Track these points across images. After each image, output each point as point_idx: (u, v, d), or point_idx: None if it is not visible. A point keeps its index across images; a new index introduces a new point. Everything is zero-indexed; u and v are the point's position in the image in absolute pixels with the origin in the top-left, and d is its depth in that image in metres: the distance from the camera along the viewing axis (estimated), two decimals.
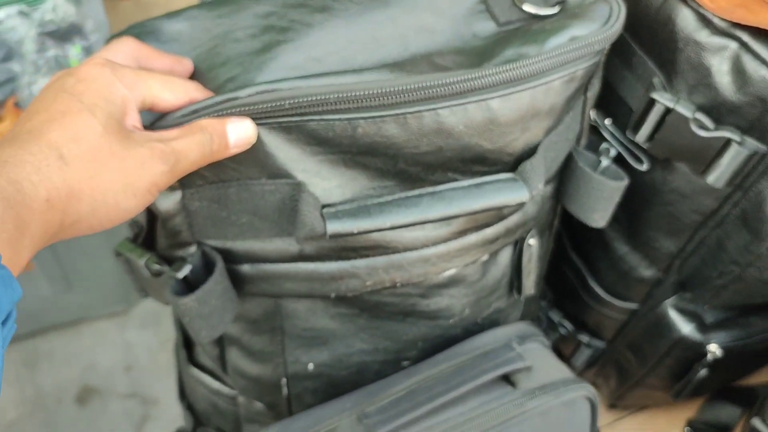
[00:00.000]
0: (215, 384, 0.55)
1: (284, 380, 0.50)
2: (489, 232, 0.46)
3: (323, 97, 0.36)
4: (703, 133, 0.48)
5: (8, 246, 0.29)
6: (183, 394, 0.63)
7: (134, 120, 0.35)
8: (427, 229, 0.43)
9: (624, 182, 0.49)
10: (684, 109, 0.48)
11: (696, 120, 0.48)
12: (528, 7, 0.43)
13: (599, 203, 0.50)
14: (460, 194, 0.42)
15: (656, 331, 0.61)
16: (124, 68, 0.36)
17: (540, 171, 0.44)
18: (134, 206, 0.34)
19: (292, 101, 0.36)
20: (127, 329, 1.33)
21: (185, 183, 0.39)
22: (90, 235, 1.06)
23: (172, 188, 0.39)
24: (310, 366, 0.50)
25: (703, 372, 0.61)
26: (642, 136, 0.51)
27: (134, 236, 0.46)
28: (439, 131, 0.39)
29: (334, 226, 0.39)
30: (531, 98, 0.40)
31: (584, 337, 0.68)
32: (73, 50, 0.98)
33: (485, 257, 0.49)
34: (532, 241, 0.50)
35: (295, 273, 0.43)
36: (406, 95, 0.37)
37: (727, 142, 0.47)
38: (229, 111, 0.36)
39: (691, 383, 0.63)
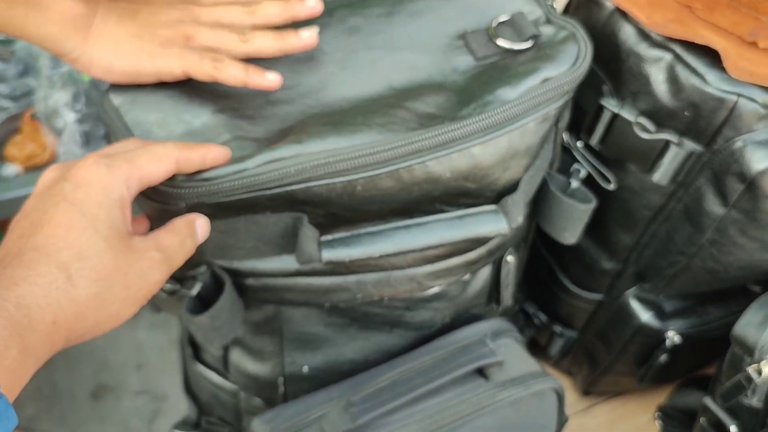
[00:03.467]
0: (218, 379, 0.60)
1: (281, 379, 0.55)
2: (471, 255, 0.50)
3: (326, 166, 0.40)
4: (645, 136, 0.53)
5: (9, 372, 0.30)
6: (188, 386, 0.67)
7: (128, 218, 0.37)
8: (414, 253, 0.47)
9: (591, 205, 0.53)
10: (628, 114, 0.53)
11: (638, 124, 0.53)
12: (502, 43, 0.47)
13: (569, 223, 0.54)
14: (445, 226, 0.46)
15: (619, 319, 0.66)
16: (117, 160, 0.37)
17: (520, 205, 0.48)
18: (132, 313, 0.37)
19: (297, 168, 0.40)
20: (138, 330, 1.39)
21: None
22: None
23: None
24: (305, 369, 0.54)
25: (663, 357, 0.66)
26: (594, 139, 0.56)
27: None
28: (428, 180, 0.43)
29: (328, 255, 0.44)
30: (508, 141, 0.44)
31: (557, 328, 0.73)
32: None
33: (467, 276, 0.53)
34: (510, 258, 0.55)
35: (294, 285, 0.48)
36: (397, 151, 0.41)
37: (667, 144, 0.52)
38: (239, 182, 0.40)
39: (652, 368, 0.67)
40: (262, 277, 0.47)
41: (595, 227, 0.63)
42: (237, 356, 0.55)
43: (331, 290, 0.49)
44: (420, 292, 0.51)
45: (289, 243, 0.45)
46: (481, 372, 0.51)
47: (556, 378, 0.52)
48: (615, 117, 0.54)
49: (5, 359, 0.30)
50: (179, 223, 0.40)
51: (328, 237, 0.45)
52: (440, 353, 0.52)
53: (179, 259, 0.39)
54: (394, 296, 0.50)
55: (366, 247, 0.45)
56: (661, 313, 0.64)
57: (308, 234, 0.43)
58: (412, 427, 0.47)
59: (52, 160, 0.98)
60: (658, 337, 0.65)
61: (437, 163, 0.43)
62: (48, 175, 0.38)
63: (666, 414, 0.77)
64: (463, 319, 0.56)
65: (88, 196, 0.35)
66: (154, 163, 0.38)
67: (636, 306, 0.65)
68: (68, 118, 0.97)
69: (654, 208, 0.57)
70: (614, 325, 0.67)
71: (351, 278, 0.48)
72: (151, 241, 0.38)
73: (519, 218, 0.48)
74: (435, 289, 0.52)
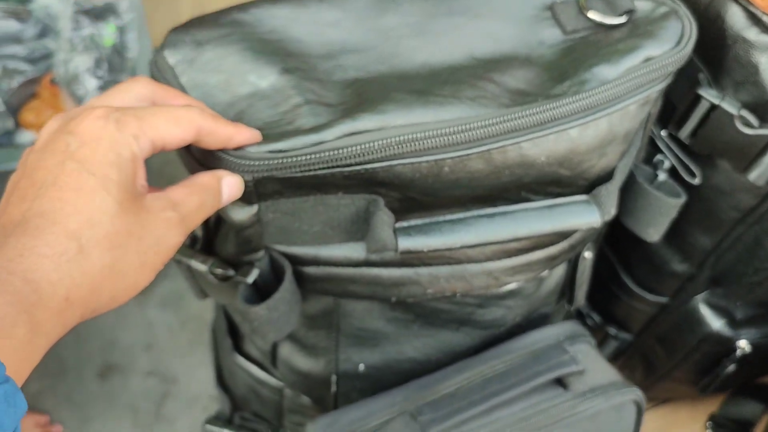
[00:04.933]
0: (261, 374, 0.56)
1: (334, 377, 0.51)
2: (553, 249, 0.46)
3: (413, 142, 0.36)
4: (747, 131, 0.48)
5: (17, 354, 0.27)
6: (221, 379, 0.63)
7: (141, 177, 0.33)
8: (494, 245, 0.43)
9: (681, 200, 0.49)
10: (729, 106, 0.48)
11: (741, 117, 0.48)
12: (593, 15, 0.43)
13: (655, 219, 0.50)
14: (533, 216, 0.42)
15: (686, 325, 0.62)
16: (128, 116, 0.33)
17: (614, 196, 0.44)
18: (148, 281, 0.33)
19: (381, 143, 0.36)
20: (148, 308, 1.34)
21: (262, 196, 0.39)
22: None
23: (248, 202, 0.38)
24: (361, 366, 0.50)
25: (731, 367, 0.62)
26: (685, 132, 0.51)
27: (191, 242, 0.46)
28: (522, 163, 0.39)
29: (405, 244, 0.40)
30: (609, 124, 0.40)
31: (612, 330, 0.69)
32: (108, 29, 0.99)
33: (546, 273, 0.49)
34: (587, 254, 0.51)
35: (360, 277, 0.44)
36: (491, 129, 0.37)
37: None
38: (317, 156, 0.35)
39: (718, 378, 0.64)
40: (325, 266, 0.43)
41: (671, 227, 0.58)
42: (287, 351, 0.51)
43: (400, 283, 0.44)
44: (495, 289, 0.47)
45: (359, 229, 0.41)
46: (559, 381, 0.47)
47: (637, 389, 0.48)
48: (713, 109, 0.49)
49: (12, 339, 0.27)
50: (203, 179, 0.35)
51: (404, 224, 0.41)
52: (513, 357, 0.48)
53: (197, 221, 0.35)
54: (467, 292, 0.46)
55: (446, 237, 0.41)
56: (732, 321, 0.60)
57: (384, 219, 0.39)
58: (480, 424, 0.43)
59: None
60: (728, 345, 0.61)
61: (533, 145, 0.38)
62: (49, 128, 0.34)
63: (718, 424, 0.74)
64: (531, 318, 0.52)
65: (97, 154, 0.31)
66: (172, 126, 0.33)
67: (706, 312, 0.61)
68: (89, 84, 0.91)
69: (743, 209, 0.53)
70: (679, 331, 0.63)
71: (423, 271, 0.44)
72: (165, 199, 0.34)
73: (612, 210, 0.44)
74: (511, 286, 0.47)
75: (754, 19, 0.47)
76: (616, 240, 0.65)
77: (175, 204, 0.34)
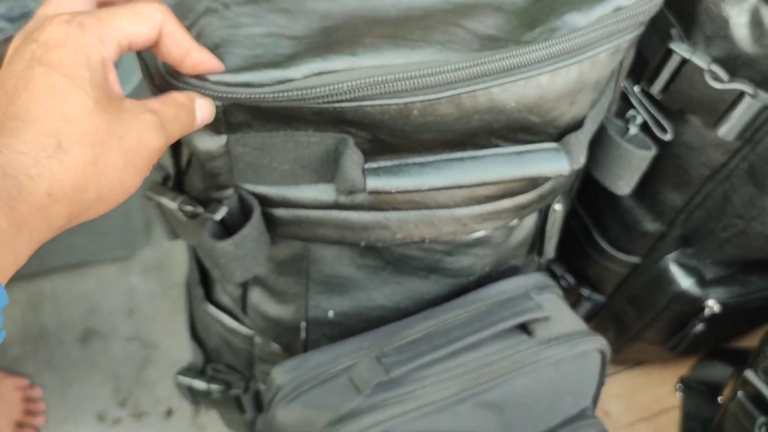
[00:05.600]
0: (232, 323, 0.56)
1: (304, 324, 0.51)
2: (523, 198, 0.46)
3: (383, 84, 0.36)
4: (717, 85, 0.48)
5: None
6: (194, 331, 0.63)
7: (114, 82, 0.33)
8: (462, 190, 0.43)
9: (651, 152, 0.50)
10: (700, 60, 0.48)
11: (711, 72, 0.48)
12: None
13: (626, 171, 0.50)
14: (501, 161, 0.42)
15: (656, 285, 0.62)
16: (90, 18, 0.32)
17: (584, 144, 0.44)
18: (137, 183, 0.33)
19: (350, 84, 0.35)
20: (130, 274, 1.34)
21: (231, 128, 0.39)
22: None
23: (217, 131, 0.38)
24: (331, 313, 0.50)
25: (699, 327, 0.63)
26: (657, 87, 0.51)
27: (163, 180, 0.46)
28: (491, 109, 0.39)
29: (373, 184, 0.40)
30: (579, 72, 0.40)
31: (585, 291, 0.69)
32: None
33: (515, 222, 0.49)
34: (558, 207, 0.51)
35: (329, 220, 0.44)
36: (461, 74, 0.37)
37: (740, 95, 0.48)
38: (285, 94, 0.35)
39: (687, 337, 0.64)
40: (294, 208, 0.43)
41: (643, 185, 0.59)
42: (257, 297, 0.51)
43: (370, 227, 0.44)
44: (463, 236, 0.47)
45: (328, 170, 0.41)
46: (524, 328, 0.47)
47: (601, 337, 0.48)
48: (684, 63, 0.49)
49: None
50: (177, 96, 0.35)
51: (373, 165, 0.41)
52: (480, 306, 0.48)
53: (176, 130, 0.35)
54: (435, 238, 0.46)
55: (414, 178, 0.41)
56: (701, 281, 0.61)
57: (353, 158, 0.39)
58: (450, 381, 0.44)
59: None
60: (697, 305, 0.62)
61: (502, 91, 0.38)
62: (14, 42, 0.34)
63: (688, 386, 0.75)
64: (502, 270, 0.52)
65: (64, 56, 0.31)
66: (137, 24, 0.33)
67: (676, 271, 0.61)
68: None
69: (713, 166, 0.53)
70: (650, 291, 0.63)
71: (392, 215, 0.44)
72: (143, 104, 0.34)
73: (581, 159, 0.44)
74: (479, 234, 0.48)
75: None
76: (589, 200, 0.65)
77: (153, 110, 0.34)
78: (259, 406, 0.61)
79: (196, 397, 0.64)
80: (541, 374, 0.46)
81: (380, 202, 0.43)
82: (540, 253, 0.53)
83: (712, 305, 0.61)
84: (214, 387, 0.61)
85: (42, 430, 1.19)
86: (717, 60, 0.49)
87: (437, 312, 0.48)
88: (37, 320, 1.31)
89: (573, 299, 0.71)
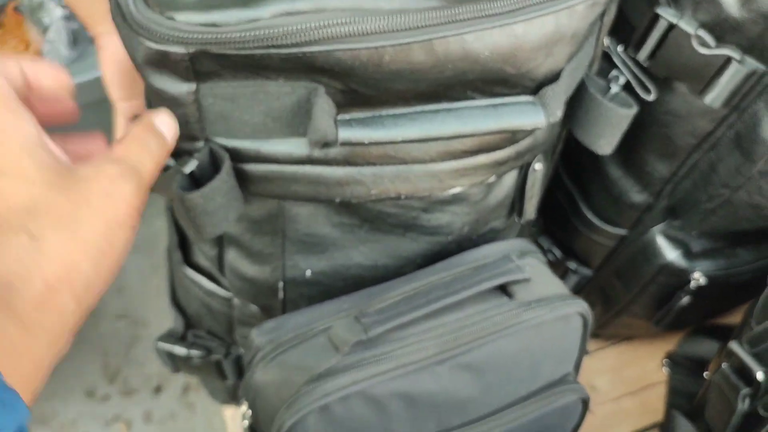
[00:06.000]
0: (210, 285, 0.56)
1: (281, 284, 0.51)
2: (499, 154, 0.46)
3: (351, 25, 0.35)
4: (704, 51, 0.48)
5: (9, 357, 0.27)
6: (175, 297, 0.63)
7: (55, 149, 0.32)
8: (437, 144, 0.43)
9: (633, 110, 0.49)
10: (687, 26, 0.48)
11: (698, 37, 0.48)
12: None
13: (606, 130, 0.50)
14: (477, 114, 0.42)
15: (643, 257, 0.62)
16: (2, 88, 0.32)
17: (561, 98, 0.44)
18: (129, 237, 0.32)
19: (319, 23, 0.35)
20: None
21: (200, 77, 0.38)
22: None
23: (186, 78, 0.38)
24: (308, 272, 0.50)
25: (685, 299, 0.63)
26: (643, 53, 0.51)
27: None
28: (465, 57, 0.38)
29: (345, 134, 0.39)
30: (555, 22, 0.40)
31: (572, 264, 0.69)
32: None
33: (492, 178, 0.49)
34: (538, 166, 0.51)
35: (302, 175, 0.43)
36: (432, 16, 0.36)
37: (727, 60, 0.47)
38: (252, 33, 0.35)
39: (672, 310, 0.64)
40: (267, 164, 0.43)
41: (629, 155, 0.59)
42: (233, 257, 0.51)
43: (344, 183, 0.44)
44: (440, 192, 0.47)
45: (301, 123, 0.41)
46: (504, 290, 0.47)
47: (583, 301, 0.48)
48: (671, 28, 0.49)
49: (4, 339, 0.26)
50: (133, 128, 0.35)
51: (345, 116, 0.40)
52: (461, 269, 0.48)
53: (149, 163, 0.34)
54: (411, 194, 0.46)
55: (388, 130, 0.40)
56: (688, 253, 0.61)
57: (324, 107, 0.39)
58: (429, 342, 0.43)
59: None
60: (683, 277, 0.62)
61: (476, 39, 0.38)
62: None
63: (675, 361, 0.75)
64: (482, 232, 0.52)
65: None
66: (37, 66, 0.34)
67: (662, 243, 0.61)
68: (55, 13, 0.90)
69: (700, 135, 0.53)
70: (636, 263, 0.63)
71: (366, 170, 0.43)
72: (97, 160, 0.33)
73: (558, 112, 0.43)
74: (456, 190, 0.47)
75: None
76: (576, 172, 0.65)
77: (112, 159, 0.33)
78: (240, 371, 0.61)
79: (176, 364, 0.63)
80: (522, 337, 0.46)
81: (354, 157, 0.42)
82: (520, 213, 0.53)
83: (698, 278, 0.61)
84: (195, 353, 0.60)
85: (31, 407, 1.19)
86: (704, 25, 0.48)
87: (418, 276, 0.48)
88: None
89: (560, 273, 0.71)
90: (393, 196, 0.45)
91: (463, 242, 0.51)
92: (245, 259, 0.50)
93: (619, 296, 0.67)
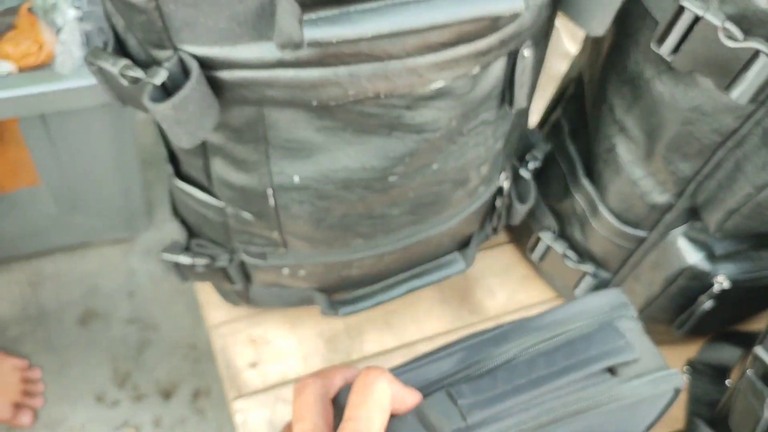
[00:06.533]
0: (203, 196, 0.56)
1: (270, 191, 0.51)
2: (481, 43, 0.44)
3: None
4: (731, 44, 0.46)
5: None
6: (175, 209, 0.63)
7: None
8: (413, 38, 0.42)
9: None
10: (713, 18, 0.46)
11: (725, 29, 0.46)
12: None
13: (598, 7, 0.47)
14: (451, 1, 0.40)
15: (664, 259, 0.61)
16: None
17: None
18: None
19: None
20: (131, 256, 1.33)
21: None
22: (98, 157, 1.05)
23: None
24: (296, 178, 0.50)
25: (708, 304, 0.61)
26: (667, 47, 0.49)
27: (104, 44, 0.44)
28: None
29: (312, 34, 0.38)
30: None
31: (589, 268, 0.68)
32: None
33: (476, 70, 0.47)
34: (527, 53, 0.49)
35: (275, 79, 0.42)
36: None
37: (755, 54, 0.46)
38: None
39: (695, 315, 0.62)
40: (238, 69, 0.42)
41: (651, 154, 0.57)
42: (219, 167, 0.51)
43: (319, 84, 0.43)
44: (421, 88, 0.45)
45: (267, 26, 0.40)
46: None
47: (679, 373, 0.45)
48: (696, 21, 0.47)
49: None
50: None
51: (312, 16, 0.39)
52: (561, 334, 0.43)
53: None
54: (391, 92, 0.44)
55: (356, 26, 0.38)
56: (711, 256, 0.59)
57: (286, 7, 0.38)
58: (527, 424, 0.40)
59: (48, 60, 0.91)
60: (705, 280, 0.60)
61: None
62: None
63: (695, 369, 0.73)
64: (471, 126, 0.51)
65: None
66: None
67: (684, 245, 0.59)
68: (68, 15, 0.89)
69: (725, 132, 0.51)
70: (657, 266, 0.62)
71: (342, 70, 0.42)
72: None
73: None
74: (439, 84, 0.45)
75: None
76: (595, 171, 0.63)
77: None
78: (247, 275, 0.63)
79: (184, 273, 0.64)
80: (616, 412, 0.43)
81: (327, 57, 0.41)
82: (511, 102, 0.51)
83: (722, 281, 0.59)
84: (199, 261, 0.61)
85: (40, 411, 1.18)
86: (731, 17, 0.47)
87: (511, 333, 0.44)
88: (37, 300, 1.30)
89: (577, 276, 0.69)
90: (372, 95, 0.44)
91: (454, 136, 0.50)
92: (231, 168, 0.50)
93: (638, 300, 0.65)
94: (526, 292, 0.77)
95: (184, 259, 0.61)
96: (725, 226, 0.56)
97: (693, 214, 0.58)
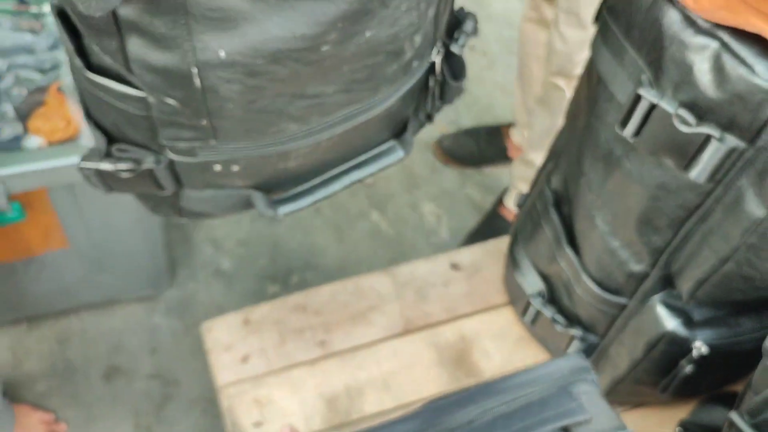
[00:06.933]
0: (121, 87, 0.51)
1: (195, 69, 0.47)
2: None
3: None
4: (684, 129, 0.50)
5: None
6: (88, 113, 0.57)
7: None
8: None
9: None
10: (668, 106, 0.50)
11: (678, 116, 0.50)
12: None
13: None
14: None
15: (644, 325, 0.63)
16: None
17: None
18: None
19: None
20: (155, 313, 1.38)
21: None
22: (123, 220, 1.10)
23: None
24: (222, 53, 0.46)
25: (689, 368, 0.63)
26: (629, 131, 0.53)
27: None
28: None
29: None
30: None
31: (577, 332, 0.70)
32: None
33: None
34: None
35: None
36: None
37: (707, 138, 0.49)
38: None
39: (677, 379, 0.64)
40: None
41: (625, 227, 0.60)
42: (137, 46, 0.47)
43: None
44: None
45: None
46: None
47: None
48: (653, 108, 0.51)
49: None
50: None
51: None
52: (520, 397, 0.47)
53: None
54: None
55: None
56: (689, 322, 0.61)
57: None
58: None
59: (75, 134, 0.98)
60: (684, 346, 0.62)
61: None
62: None
63: (687, 429, 0.74)
64: None
65: None
66: None
67: (662, 312, 0.62)
68: None
69: (689, 208, 0.54)
70: (638, 332, 0.64)
71: None
72: None
73: None
74: None
75: (689, 21, 0.49)
76: (577, 241, 0.67)
77: None
78: (177, 178, 0.57)
79: (107, 182, 0.58)
80: None
81: None
82: None
83: (700, 346, 0.61)
84: (123, 165, 0.56)
85: None
86: (684, 105, 0.50)
87: (476, 395, 0.47)
88: (65, 356, 1.35)
89: (566, 340, 0.72)
90: None
91: None
92: (150, 46, 0.46)
93: (623, 363, 0.67)
94: (522, 354, 0.80)
95: (106, 166, 0.56)
96: (697, 294, 0.58)
97: (668, 282, 0.61)
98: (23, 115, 0.97)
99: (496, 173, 1.65)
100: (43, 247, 1.14)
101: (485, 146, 1.69)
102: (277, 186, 0.61)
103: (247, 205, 0.61)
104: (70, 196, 1.07)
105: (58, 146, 0.98)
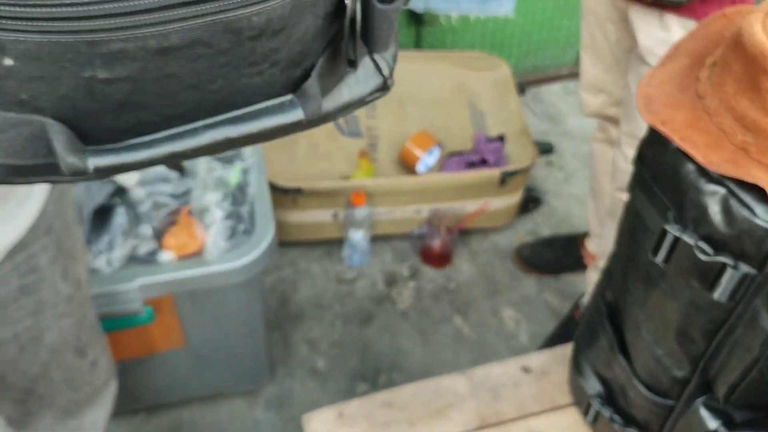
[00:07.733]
0: None
1: None
2: None
3: None
4: (704, 258, 0.60)
5: None
6: None
7: None
8: None
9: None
10: (689, 239, 0.61)
11: (698, 247, 0.61)
12: None
13: None
14: None
15: (691, 426, 0.71)
16: None
17: None
18: None
19: None
20: (256, 407, 1.52)
21: None
22: (231, 323, 1.27)
23: None
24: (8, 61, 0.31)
25: None
26: (660, 258, 0.64)
27: None
28: None
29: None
30: None
31: (633, 431, 0.78)
32: (234, 171, 1.23)
33: None
34: None
35: None
36: None
37: (724, 266, 0.60)
38: None
39: None
40: None
41: (666, 337, 0.70)
42: None
43: None
44: None
45: None
46: None
47: None
48: (677, 240, 0.62)
49: None
50: None
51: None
52: None
53: None
54: None
55: None
56: (730, 423, 0.69)
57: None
58: None
59: (200, 249, 1.16)
60: None
61: None
62: None
63: None
64: None
65: None
66: None
67: (705, 414, 0.70)
68: (217, 214, 1.14)
69: (717, 322, 0.64)
70: (686, 431, 0.72)
71: None
72: None
73: None
74: None
75: (702, 171, 0.60)
76: (628, 348, 0.76)
77: None
78: None
79: None
80: None
81: None
82: None
83: None
84: None
85: None
86: (702, 237, 0.61)
87: None
88: None
89: None
90: None
91: None
92: None
93: None
94: None
95: None
96: (732, 398, 0.67)
97: (708, 386, 0.69)
98: (158, 234, 1.16)
99: (573, 280, 1.74)
100: (165, 346, 1.31)
101: (562, 255, 1.79)
102: (103, 133, 0.37)
103: (44, 147, 0.36)
104: (190, 301, 1.24)
105: (186, 260, 1.16)
